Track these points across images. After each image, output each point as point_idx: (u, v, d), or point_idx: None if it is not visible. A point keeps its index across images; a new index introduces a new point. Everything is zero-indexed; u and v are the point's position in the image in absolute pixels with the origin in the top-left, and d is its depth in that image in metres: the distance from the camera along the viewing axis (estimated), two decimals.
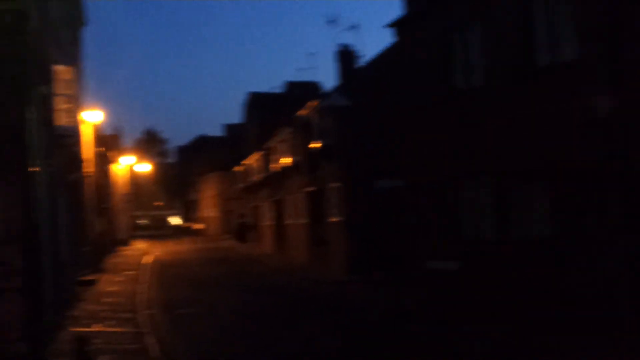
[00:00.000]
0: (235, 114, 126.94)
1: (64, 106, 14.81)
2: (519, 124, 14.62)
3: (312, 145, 28.97)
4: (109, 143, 40.88)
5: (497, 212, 15.48)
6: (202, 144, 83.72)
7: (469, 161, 16.28)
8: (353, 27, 40.25)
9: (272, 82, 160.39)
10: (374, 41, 73.49)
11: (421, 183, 18.36)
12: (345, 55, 29.08)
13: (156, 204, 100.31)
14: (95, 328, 13.58)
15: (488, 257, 15.58)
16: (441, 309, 16.05)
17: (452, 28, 17.03)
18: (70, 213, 17.20)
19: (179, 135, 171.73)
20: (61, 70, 14.44)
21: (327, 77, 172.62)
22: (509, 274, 14.60)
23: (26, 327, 8.60)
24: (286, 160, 35.35)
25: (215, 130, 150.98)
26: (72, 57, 15.57)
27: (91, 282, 21.70)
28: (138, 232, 75.98)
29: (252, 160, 47.48)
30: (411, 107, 18.86)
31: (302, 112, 30.87)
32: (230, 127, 72.35)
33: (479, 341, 12.16)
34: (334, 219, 27.69)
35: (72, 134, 15.66)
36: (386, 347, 12.08)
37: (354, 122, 26.03)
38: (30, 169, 9.20)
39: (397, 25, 19.32)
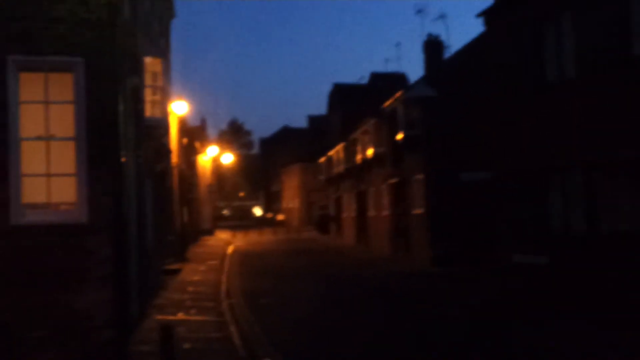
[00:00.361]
0: (319, 105, 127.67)
1: (153, 97, 15.07)
2: (611, 115, 14.01)
3: (396, 137, 28.66)
4: (195, 134, 41.72)
5: (587, 205, 14.91)
6: (286, 135, 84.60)
7: (558, 153, 15.73)
8: (441, 17, 39.80)
9: (357, 73, 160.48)
10: (462, 31, 72.34)
11: (508, 175, 17.87)
12: (433, 46, 28.65)
13: (239, 194, 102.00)
14: (179, 316, 13.77)
15: (577, 252, 15.03)
16: (526, 304, 15.57)
17: (543, 17, 16.45)
18: (156, 203, 17.54)
19: (262, 127, 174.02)
20: (150, 62, 14.68)
21: (413, 67, 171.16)
22: (599, 269, 14.04)
23: (113, 314, 8.73)
24: (370, 152, 35.14)
25: (299, 121, 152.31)
26: (162, 49, 15.85)
27: (175, 271, 22.10)
28: (221, 222, 77.42)
29: (335, 151, 47.47)
30: (499, 97, 18.37)
31: (387, 103, 30.60)
32: (314, 119, 72.71)
33: (563, 339, 11.68)
34: (417, 211, 27.39)
35: (160, 125, 15.93)
36: (464, 343, 11.68)
37: (439, 113, 25.69)
38: (121, 160, 9.34)
39: (487, 14, 18.81)
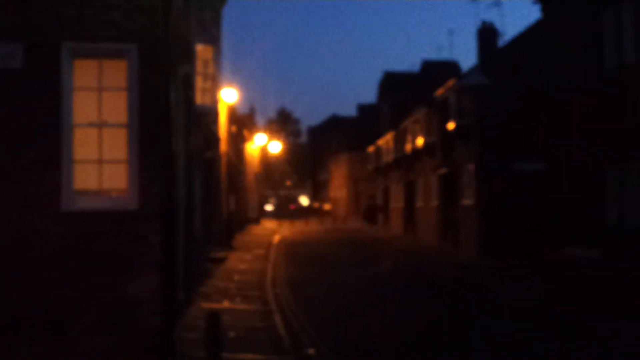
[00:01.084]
0: (369, 94, 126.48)
1: (203, 85, 15.07)
2: None
3: (448, 126, 28.25)
4: (243, 122, 41.89)
5: None
6: (334, 124, 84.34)
7: (616, 143, 15.22)
8: (496, 4, 39.26)
9: (408, 61, 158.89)
10: (517, 19, 70.98)
11: (562, 166, 17.41)
12: (487, 33, 28.11)
13: (286, 183, 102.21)
14: (224, 304, 13.79)
15: (631, 246, 14.54)
16: (576, 299, 15.23)
17: (603, 4, 15.89)
18: (204, 191, 17.61)
19: (311, 115, 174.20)
20: (202, 50, 14.67)
21: (466, 55, 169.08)
22: None
23: (161, 301, 8.73)
24: (419, 142, 34.76)
25: (348, 110, 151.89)
26: (213, 37, 15.81)
27: (222, 260, 22.15)
28: (268, 210, 77.63)
29: (384, 141, 47.15)
30: (554, 87, 17.91)
31: (439, 92, 30.19)
32: (363, 108, 72.33)
33: (613, 335, 11.34)
34: (466, 202, 27.01)
35: (210, 113, 15.94)
36: (510, 339, 11.39)
37: (492, 102, 25.29)
38: (172, 147, 9.32)
39: (544, 1, 18.29)
